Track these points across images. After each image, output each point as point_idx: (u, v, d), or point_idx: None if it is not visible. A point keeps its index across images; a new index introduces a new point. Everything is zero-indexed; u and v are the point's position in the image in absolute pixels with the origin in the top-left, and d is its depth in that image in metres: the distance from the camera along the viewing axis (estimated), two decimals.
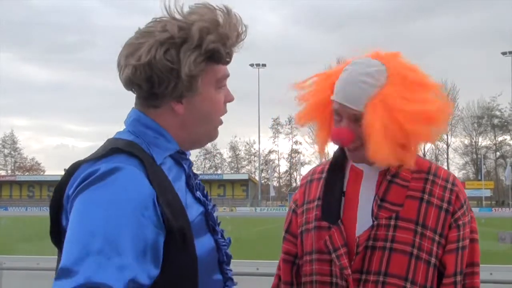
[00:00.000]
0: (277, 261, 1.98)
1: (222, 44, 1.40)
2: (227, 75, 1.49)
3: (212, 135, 1.52)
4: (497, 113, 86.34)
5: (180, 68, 1.36)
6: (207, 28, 1.38)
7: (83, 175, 1.29)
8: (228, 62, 1.46)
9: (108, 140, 1.43)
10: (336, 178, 1.81)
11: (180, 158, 1.46)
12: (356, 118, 1.68)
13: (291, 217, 1.94)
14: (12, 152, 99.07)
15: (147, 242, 1.24)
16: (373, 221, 1.69)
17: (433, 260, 1.68)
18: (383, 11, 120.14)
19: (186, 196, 1.42)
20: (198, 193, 1.49)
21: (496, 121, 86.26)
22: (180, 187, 1.41)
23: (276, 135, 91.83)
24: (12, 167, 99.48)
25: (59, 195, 1.35)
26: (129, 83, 1.41)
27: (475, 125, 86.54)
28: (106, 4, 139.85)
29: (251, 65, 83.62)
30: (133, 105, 1.48)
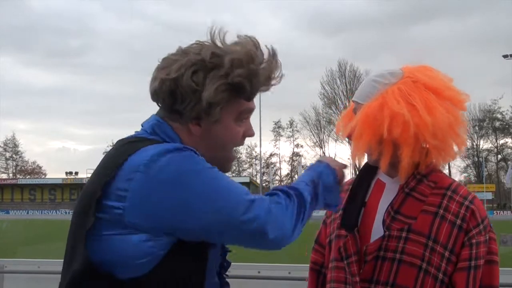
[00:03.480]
0: (279, 264, 2.02)
1: (248, 81, 1.44)
2: (252, 110, 1.53)
3: (224, 165, 1.54)
4: (499, 116, 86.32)
5: (202, 91, 1.41)
6: (239, 60, 1.42)
7: (149, 154, 1.35)
8: (250, 99, 1.50)
9: (135, 138, 1.47)
10: (361, 189, 1.83)
11: None
12: None
13: (321, 227, 2.00)
14: (14, 156, 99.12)
15: None
16: (384, 232, 1.70)
17: (440, 276, 1.66)
18: (383, 15, 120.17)
19: None
20: None
21: (497, 124, 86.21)
22: None
23: (278, 138, 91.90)
24: (14, 171, 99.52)
25: (101, 188, 1.34)
26: (154, 95, 1.48)
27: (476, 128, 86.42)
28: (107, 9, 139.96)
29: None
30: (155, 113, 1.53)
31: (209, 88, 1.41)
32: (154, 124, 1.49)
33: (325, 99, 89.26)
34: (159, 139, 1.45)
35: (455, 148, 1.76)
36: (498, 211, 73.84)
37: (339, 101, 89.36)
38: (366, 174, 1.85)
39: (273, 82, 1.50)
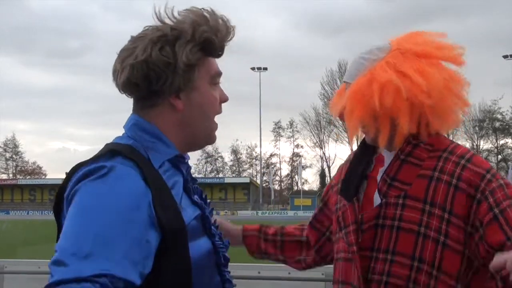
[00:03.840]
0: (279, 265, 2.01)
1: (214, 35, 1.45)
2: (220, 73, 1.53)
3: (210, 135, 1.54)
4: (499, 116, 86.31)
5: (176, 61, 1.40)
6: (197, 21, 1.43)
7: (81, 172, 1.32)
8: (220, 55, 1.51)
9: (106, 145, 1.45)
10: (362, 161, 1.82)
11: (178, 162, 1.47)
12: None
13: (328, 190, 2.02)
14: (14, 156, 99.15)
15: (138, 240, 1.24)
16: (381, 199, 1.69)
17: (442, 238, 1.62)
18: (383, 16, 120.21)
19: (182, 199, 1.44)
20: (196, 197, 1.50)
21: (497, 124, 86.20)
22: (177, 190, 1.42)
23: (278, 138, 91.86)
24: (14, 171, 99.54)
25: (59, 199, 1.37)
26: (127, 84, 1.43)
27: (476, 128, 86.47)
28: (107, 10, 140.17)
29: (252, 68, 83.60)
30: (131, 111, 1.50)
31: (183, 54, 1.40)
32: (133, 124, 1.47)
33: (325, 100, 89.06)
34: (139, 140, 1.43)
35: (458, 112, 1.72)
36: None
37: None
38: (366, 149, 1.84)
39: (231, 31, 1.50)
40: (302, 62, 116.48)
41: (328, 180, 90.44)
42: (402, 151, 1.71)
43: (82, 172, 1.32)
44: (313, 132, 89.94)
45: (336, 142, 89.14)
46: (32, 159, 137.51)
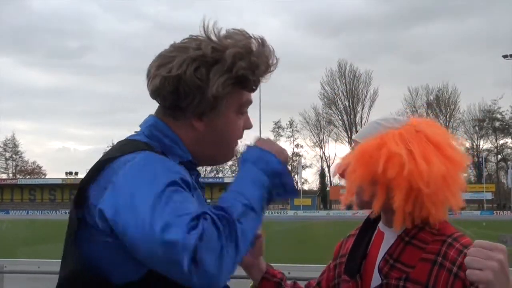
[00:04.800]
0: (279, 264, 2.00)
1: (251, 72, 1.45)
2: (250, 102, 1.54)
3: (228, 156, 1.57)
4: (498, 116, 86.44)
5: (207, 86, 1.41)
6: (240, 54, 1.43)
7: (119, 161, 1.35)
8: (254, 90, 1.51)
9: (126, 141, 1.47)
10: (365, 237, 1.83)
11: (190, 168, 1.50)
12: None
13: (325, 269, 2.01)
14: (14, 156, 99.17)
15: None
16: (381, 279, 1.70)
17: None
18: (383, 16, 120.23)
19: None
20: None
21: (497, 124, 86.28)
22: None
23: (277, 138, 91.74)
24: (14, 171, 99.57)
25: (83, 191, 1.37)
26: (156, 93, 1.46)
27: (476, 128, 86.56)
28: (106, 10, 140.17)
29: None
30: (153, 112, 1.53)
31: (215, 83, 1.41)
32: (151, 125, 1.49)
33: (325, 99, 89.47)
34: (156, 141, 1.46)
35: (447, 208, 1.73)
36: (498, 211, 73.87)
37: (339, 101, 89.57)
38: (369, 225, 1.86)
39: (271, 69, 1.51)
40: (302, 62, 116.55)
41: (328, 180, 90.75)
42: (407, 233, 1.72)
43: (116, 164, 1.34)
44: (313, 132, 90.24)
45: (336, 141, 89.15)
46: (32, 159, 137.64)
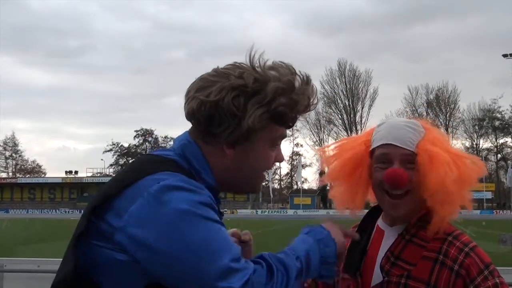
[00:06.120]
0: None
1: (290, 109, 1.44)
2: (284, 137, 1.52)
3: (255, 188, 1.56)
4: (498, 115, 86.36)
5: (243, 117, 1.40)
6: (282, 89, 1.42)
7: (159, 185, 1.32)
8: (290, 127, 1.51)
9: (157, 158, 1.47)
10: (362, 237, 1.83)
11: (214, 194, 1.46)
12: (408, 160, 1.71)
13: None
14: (14, 155, 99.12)
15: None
16: (383, 277, 1.71)
17: None
18: (383, 16, 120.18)
19: None
20: None
21: (497, 123, 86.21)
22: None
23: None
24: (13, 170, 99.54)
25: (103, 200, 1.35)
26: (191, 115, 1.46)
27: (476, 127, 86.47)
28: (105, 9, 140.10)
29: None
30: (188, 130, 1.53)
31: (251, 114, 1.40)
32: (184, 144, 1.48)
33: (325, 99, 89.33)
34: (186, 161, 1.45)
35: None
36: (498, 211, 73.88)
37: (338, 101, 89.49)
38: (369, 220, 1.87)
39: (311, 108, 1.50)
40: (302, 61, 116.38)
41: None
42: (407, 231, 1.74)
43: (161, 185, 1.33)
44: (312, 131, 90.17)
45: (335, 141, 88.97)
46: (32, 157, 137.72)
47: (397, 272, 1.69)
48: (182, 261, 1.26)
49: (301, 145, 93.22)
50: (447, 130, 72.92)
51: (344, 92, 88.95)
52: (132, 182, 1.35)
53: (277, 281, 1.32)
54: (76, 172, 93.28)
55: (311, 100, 1.49)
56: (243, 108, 1.40)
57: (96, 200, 1.37)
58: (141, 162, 1.46)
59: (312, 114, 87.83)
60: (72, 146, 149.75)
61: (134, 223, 1.29)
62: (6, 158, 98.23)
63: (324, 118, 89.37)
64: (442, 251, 1.68)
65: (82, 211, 1.45)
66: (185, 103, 1.48)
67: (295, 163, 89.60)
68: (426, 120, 1.88)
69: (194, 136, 1.49)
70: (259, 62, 1.45)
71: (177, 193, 1.30)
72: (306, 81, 1.47)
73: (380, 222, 1.82)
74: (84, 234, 1.35)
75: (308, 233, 1.49)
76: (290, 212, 74.70)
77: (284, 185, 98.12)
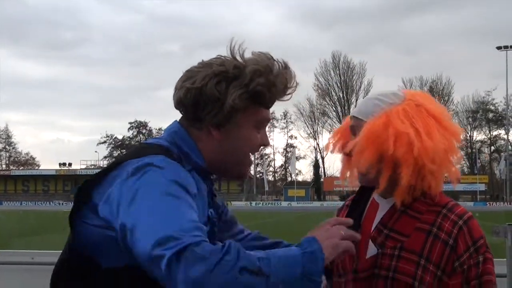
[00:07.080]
0: None
1: (267, 89, 1.55)
2: (268, 120, 1.64)
3: (241, 170, 1.65)
4: (492, 107, 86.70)
5: (225, 99, 1.52)
6: (259, 71, 1.54)
7: (138, 164, 1.42)
8: (269, 107, 1.62)
9: (145, 143, 1.61)
10: (359, 207, 1.84)
11: (204, 175, 1.60)
12: None
13: None
14: (7, 147, 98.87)
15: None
16: (377, 249, 1.72)
17: None
18: (377, 8, 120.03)
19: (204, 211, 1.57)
20: (211, 211, 1.63)
21: (490, 115, 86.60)
22: (202, 200, 1.56)
23: (271, 129, 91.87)
24: (7, 162, 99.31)
25: (91, 180, 1.48)
26: (179, 103, 1.59)
27: (470, 119, 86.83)
28: (101, 1, 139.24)
29: None
30: (179, 119, 1.64)
31: (232, 96, 1.51)
32: (174, 131, 1.60)
33: (319, 91, 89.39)
34: (176, 147, 1.56)
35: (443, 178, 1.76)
36: (491, 202, 74.28)
37: (333, 93, 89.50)
38: (363, 195, 1.87)
39: (289, 91, 1.61)
40: (296, 54, 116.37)
41: (322, 171, 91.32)
42: (402, 203, 1.73)
43: (142, 163, 1.42)
44: (307, 123, 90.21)
45: (330, 133, 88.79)
46: (26, 149, 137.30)
47: (391, 244, 1.70)
48: (135, 226, 1.32)
49: (295, 137, 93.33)
50: None
51: (338, 84, 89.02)
52: (118, 164, 1.47)
53: (223, 263, 1.23)
54: (70, 164, 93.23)
55: (289, 83, 1.60)
56: (224, 91, 1.52)
57: (86, 182, 1.49)
58: (130, 149, 1.57)
59: (306, 106, 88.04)
60: (66, 138, 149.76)
61: (112, 195, 1.41)
62: (0, 150, 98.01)
63: (318, 110, 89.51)
64: (436, 223, 1.69)
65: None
66: (173, 94, 1.60)
67: (289, 155, 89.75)
68: (423, 91, 1.87)
69: (183, 123, 1.61)
70: (239, 52, 1.58)
71: (152, 171, 1.40)
72: (284, 66, 1.59)
73: (375, 195, 1.82)
74: (77, 215, 1.47)
75: (300, 243, 1.42)
76: (284, 204, 74.93)
77: (278, 177, 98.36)
